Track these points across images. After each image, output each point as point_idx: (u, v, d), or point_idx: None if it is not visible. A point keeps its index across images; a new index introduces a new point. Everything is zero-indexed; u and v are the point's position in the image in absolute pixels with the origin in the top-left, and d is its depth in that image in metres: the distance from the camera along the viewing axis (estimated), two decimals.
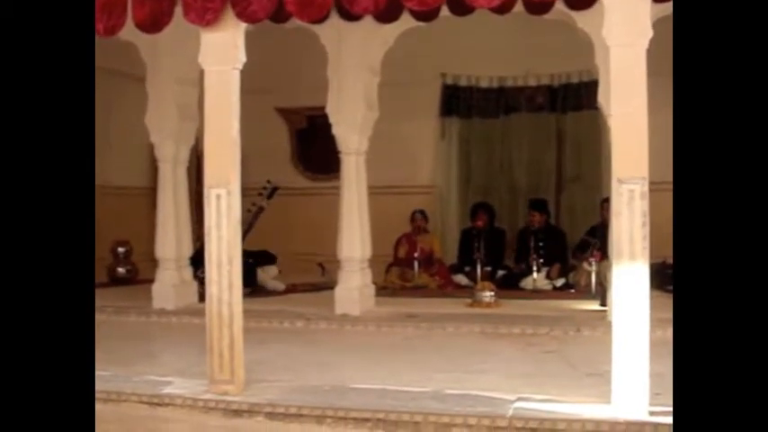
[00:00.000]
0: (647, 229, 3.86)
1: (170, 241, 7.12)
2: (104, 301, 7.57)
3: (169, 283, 7.09)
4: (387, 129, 9.98)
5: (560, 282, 8.07)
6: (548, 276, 8.08)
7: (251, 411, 4.27)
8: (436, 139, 10.33)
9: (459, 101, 10.23)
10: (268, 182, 8.42)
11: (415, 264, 8.38)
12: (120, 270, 9.06)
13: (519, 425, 3.90)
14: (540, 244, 8.15)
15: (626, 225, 3.87)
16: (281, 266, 8.81)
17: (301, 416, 4.18)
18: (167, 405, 4.42)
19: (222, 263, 4.44)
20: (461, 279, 8.38)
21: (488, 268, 8.22)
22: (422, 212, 8.81)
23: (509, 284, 8.13)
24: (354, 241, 6.76)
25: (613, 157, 3.90)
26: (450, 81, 10.22)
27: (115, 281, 8.97)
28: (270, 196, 8.33)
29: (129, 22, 4.53)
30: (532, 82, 9.89)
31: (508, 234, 9.04)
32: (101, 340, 6.04)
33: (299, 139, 10.83)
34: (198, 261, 6.50)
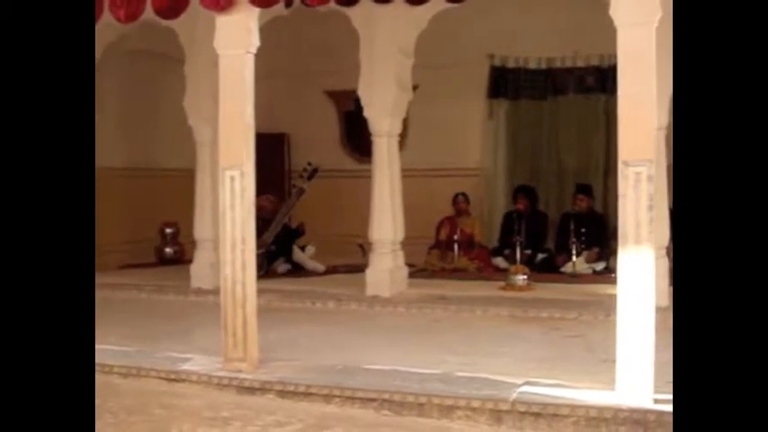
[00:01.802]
0: (654, 212, 3.78)
1: (207, 222, 7.26)
2: (148, 279, 7.82)
3: (206, 263, 7.24)
4: (434, 111, 10.05)
5: (600, 266, 7.94)
6: (586, 260, 7.95)
7: (262, 389, 4.36)
8: (484, 121, 10.21)
9: (507, 82, 10.07)
10: (309, 164, 8.53)
11: (455, 246, 8.33)
12: (168, 250, 9.32)
13: (522, 409, 3.88)
14: (583, 230, 8.01)
15: (631, 208, 3.78)
16: (323, 247, 8.91)
17: (310, 394, 4.25)
18: (184, 381, 4.55)
19: (236, 243, 4.52)
20: (500, 262, 8.32)
21: (528, 252, 8.13)
22: (464, 195, 8.79)
23: (549, 268, 8.04)
24: (386, 223, 6.79)
25: (620, 139, 3.81)
26: (497, 63, 10.07)
27: (163, 261, 9.22)
28: (310, 177, 8.44)
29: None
30: (581, 63, 9.67)
31: (552, 218, 8.92)
32: (135, 317, 6.30)
33: (346, 122, 10.87)
34: None
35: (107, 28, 5.94)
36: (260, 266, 7.93)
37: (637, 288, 3.78)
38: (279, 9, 5.39)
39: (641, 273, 3.77)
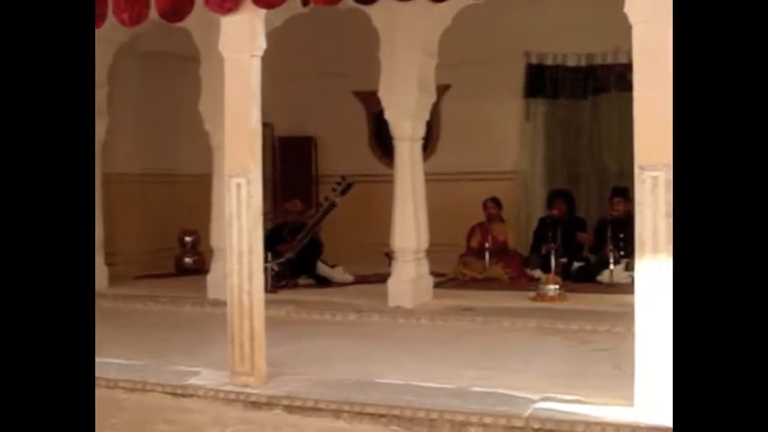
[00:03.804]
0: (671, 219, 3.81)
1: (224, 230, 7.38)
2: (164, 290, 8.01)
3: (223, 273, 7.35)
4: (467, 111, 10.14)
5: None
6: (626, 268, 7.93)
7: (270, 404, 4.48)
8: (520, 121, 10.27)
9: (544, 81, 10.13)
10: (343, 178, 8.65)
11: (487, 254, 8.40)
12: (188, 260, 9.48)
13: (536, 426, 3.95)
14: (621, 235, 8.01)
15: (649, 215, 3.84)
16: (352, 256, 9.03)
17: (318, 410, 4.36)
18: (190, 396, 4.69)
19: (243, 253, 4.66)
20: (535, 271, 8.34)
21: (564, 260, 8.15)
22: (494, 200, 8.84)
23: (585, 277, 8.06)
24: (408, 231, 6.88)
25: (636, 142, 3.87)
26: (534, 60, 10.14)
27: (182, 271, 9.38)
28: (344, 192, 8.56)
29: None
30: (623, 59, 9.58)
31: (589, 223, 8.93)
32: (147, 329, 6.47)
33: (376, 124, 10.96)
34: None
35: (118, 29, 6.14)
36: (283, 276, 8.13)
37: (654, 300, 3.83)
38: (297, 7, 5.53)
39: (659, 283, 3.81)
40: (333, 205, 8.57)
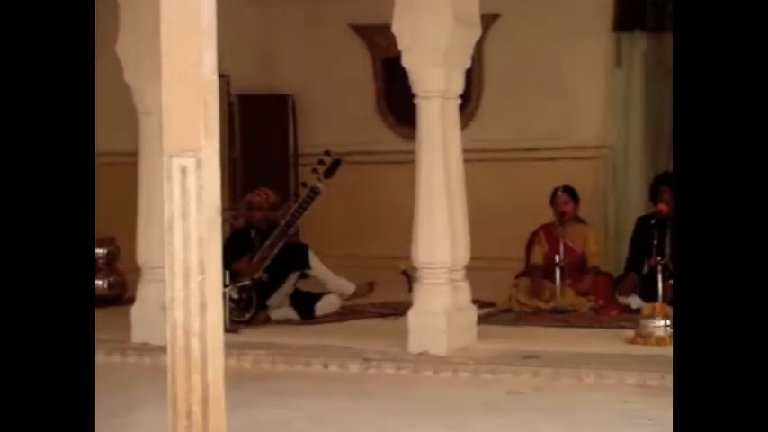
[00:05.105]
0: None
1: (159, 239, 7.39)
2: None
3: (157, 305, 7.35)
4: (525, 55, 10.16)
5: None
6: None
7: None
8: (608, 69, 10.31)
9: (644, 5, 10.16)
10: (326, 153, 8.70)
11: (557, 273, 8.42)
12: (99, 283, 9.45)
13: None
14: None
15: None
16: (349, 274, 9.09)
17: None
18: None
19: (191, 272, 4.66)
20: (632, 299, 8.36)
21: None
22: (567, 190, 8.85)
23: None
24: (439, 238, 6.89)
25: None
26: None
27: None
28: (329, 174, 8.60)
29: None
30: None
31: None
32: None
33: (386, 74, 10.99)
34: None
35: None
36: (246, 306, 8.15)
37: None
38: None
39: None
40: (314, 193, 8.62)
